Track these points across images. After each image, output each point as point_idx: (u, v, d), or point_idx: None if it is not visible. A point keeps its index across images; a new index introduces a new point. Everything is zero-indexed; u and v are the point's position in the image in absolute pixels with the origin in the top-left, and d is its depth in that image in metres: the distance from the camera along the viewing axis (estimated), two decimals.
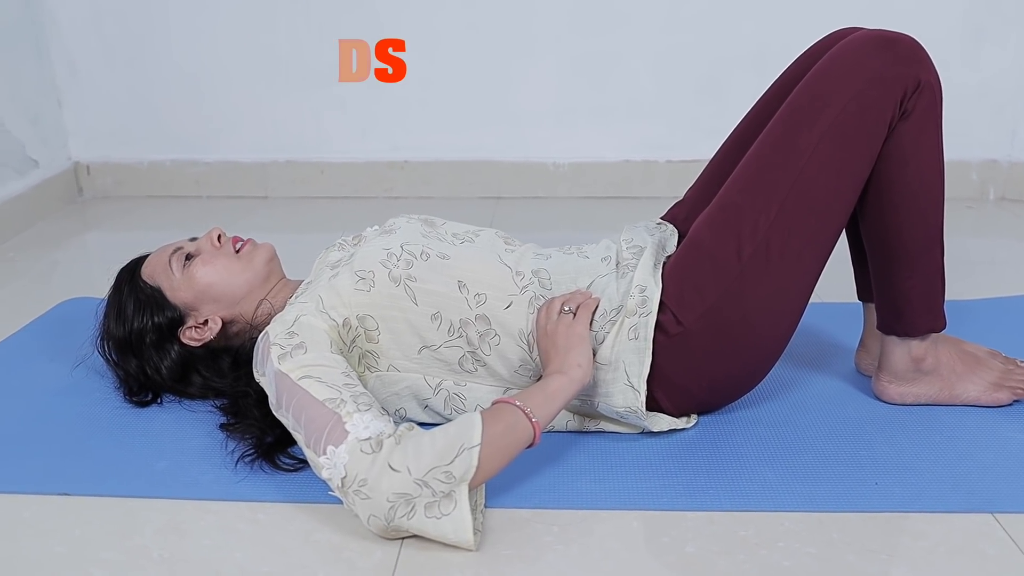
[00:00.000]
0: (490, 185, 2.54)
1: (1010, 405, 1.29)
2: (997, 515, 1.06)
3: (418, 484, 0.96)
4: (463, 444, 0.98)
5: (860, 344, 1.40)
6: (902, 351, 1.25)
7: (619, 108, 2.46)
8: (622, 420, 1.21)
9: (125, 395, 1.35)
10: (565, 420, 1.24)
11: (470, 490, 0.99)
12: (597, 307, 1.19)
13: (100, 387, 1.40)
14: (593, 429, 1.24)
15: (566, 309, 1.17)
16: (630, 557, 1.01)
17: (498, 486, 1.11)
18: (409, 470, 0.96)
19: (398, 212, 1.41)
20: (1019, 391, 1.27)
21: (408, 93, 2.48)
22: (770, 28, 2.35)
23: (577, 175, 2.51)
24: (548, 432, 1.22)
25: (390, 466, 0.96)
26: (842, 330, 1.54)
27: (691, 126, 2.46)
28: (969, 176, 2.41)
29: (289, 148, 2.56)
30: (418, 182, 2.54)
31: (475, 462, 0.97)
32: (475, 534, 0.99)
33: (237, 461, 1.17)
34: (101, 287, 1.38)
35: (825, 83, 1.12)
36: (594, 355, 1.16)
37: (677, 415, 1.23)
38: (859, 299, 1.38)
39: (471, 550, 0.99)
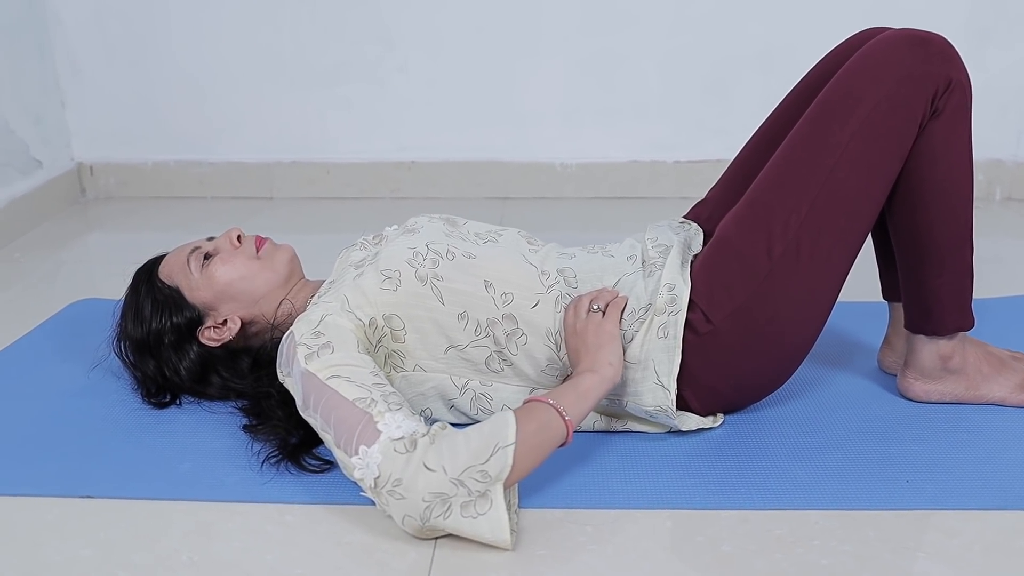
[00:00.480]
0: (497, 186, 2.53)
1: None
2: None
3: (454, 483, 0.95)
4: (498, 443, 0.97)
5: (884, 342, 1.39)
6: (930, 349, 1.25)
7: (626, 108, 2.46)
8: (650, 419, 1.21)
9: (143, 396, 1.33)
10: (592, 420, 1.23)
11: (504, 489, 0.98)
12: (626, 305, 1.18)
13: (116, 388, 1.38)
14: (620, 429, 1.23)
15: (595, 307, 1.16)
16: (666, 557, 1.00)
17: (528, 486, 1.10)
18: (445, 469, 0.95)
19: (405, 213, 1.39)
20: None
21: (414, 93, 2.47)
22: (776, 29, 2.35)
23: (584, 176, 2.51)
24: (576, 432, 1.20)
25: (425, 465, 0.95)
26: (862, 328, 1.53)
27: (698, 126, 2.46)
28: (975, 176, 2.41)
29: (294, 148, 2.54)
30: (425, 183, 2.53)
31: (510, 461, 0.96)
32: (511, 533, 0.98)
33: (263, 463, 1.16)
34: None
35: (856, 81, 1.12)
36: (623, 353, 1.16)
37: (704, 414, 1.23)
38: (884, 298, 1.37)
39: (508, 549, 0.98)
